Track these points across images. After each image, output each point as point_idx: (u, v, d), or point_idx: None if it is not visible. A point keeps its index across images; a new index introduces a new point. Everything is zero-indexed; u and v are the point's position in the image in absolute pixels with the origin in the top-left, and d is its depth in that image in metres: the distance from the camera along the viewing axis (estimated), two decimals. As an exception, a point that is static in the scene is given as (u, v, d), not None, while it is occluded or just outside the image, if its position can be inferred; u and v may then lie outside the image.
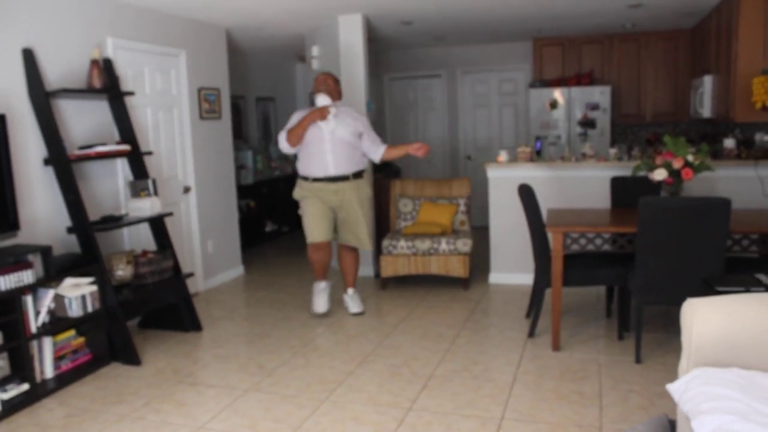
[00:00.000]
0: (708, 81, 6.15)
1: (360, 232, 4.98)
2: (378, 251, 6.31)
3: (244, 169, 7.95)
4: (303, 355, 4.23)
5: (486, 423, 3.16)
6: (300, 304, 5.41)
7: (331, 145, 4.77)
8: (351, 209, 4.89)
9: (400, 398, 3.48)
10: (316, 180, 4.82)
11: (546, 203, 5.22)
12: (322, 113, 4.70)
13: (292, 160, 9.14)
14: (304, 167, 4.89)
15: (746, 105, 5.26)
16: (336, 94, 4.93)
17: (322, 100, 4.79)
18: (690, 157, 3.97)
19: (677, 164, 3.96)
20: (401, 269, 5.72)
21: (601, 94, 7.50)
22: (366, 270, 6.33)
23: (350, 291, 5.19)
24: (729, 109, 5.53)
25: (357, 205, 4.89)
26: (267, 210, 8.54)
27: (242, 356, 4.20)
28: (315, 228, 4.85)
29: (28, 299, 3.63)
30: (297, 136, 4.75)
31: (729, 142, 5.53)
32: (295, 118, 4.87)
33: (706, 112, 6.23)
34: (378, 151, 4.94)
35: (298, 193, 4.95)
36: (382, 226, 6.66)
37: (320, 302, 5.06)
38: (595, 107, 7.53)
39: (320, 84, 4.91)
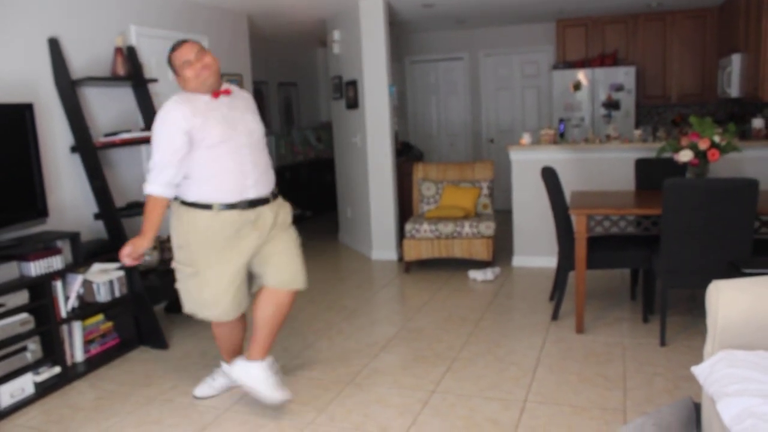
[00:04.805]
0: (736, 59, 6.03)
1: None
2: (401, 235, 6.32)
3: (266, 154, 7.98)
4: (328, 338, 4.26)
5: (509, 405, 3.17)
6: (324, 288, 5.44)
7: None
8: None
9: (424, 381, 3.51)
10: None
11: (569, 186, 5.18)
12: None
13: (315, 145, 9.18)
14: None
15: (776, 84, 5.16)
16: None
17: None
18: (717, 138, 3.91)
19: (703, 145, 3.89)
20: (424, 253, 5.73)
21: (625, 75, 7.39)
22: (389, 254, 6.35)
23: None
24: (758, 88, 5.43)
25: None
26: (290, 195, 8.54)
27: (267, 340, 4.24)
28: None
29: (58, 284, 3.70)
30: None
31: (758, 122, 5.43)
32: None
33: (734, 91, 6.12)
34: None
35: None
36: (405, 210, 6.67)
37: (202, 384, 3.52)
38: (619, 88, 7.42)
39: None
